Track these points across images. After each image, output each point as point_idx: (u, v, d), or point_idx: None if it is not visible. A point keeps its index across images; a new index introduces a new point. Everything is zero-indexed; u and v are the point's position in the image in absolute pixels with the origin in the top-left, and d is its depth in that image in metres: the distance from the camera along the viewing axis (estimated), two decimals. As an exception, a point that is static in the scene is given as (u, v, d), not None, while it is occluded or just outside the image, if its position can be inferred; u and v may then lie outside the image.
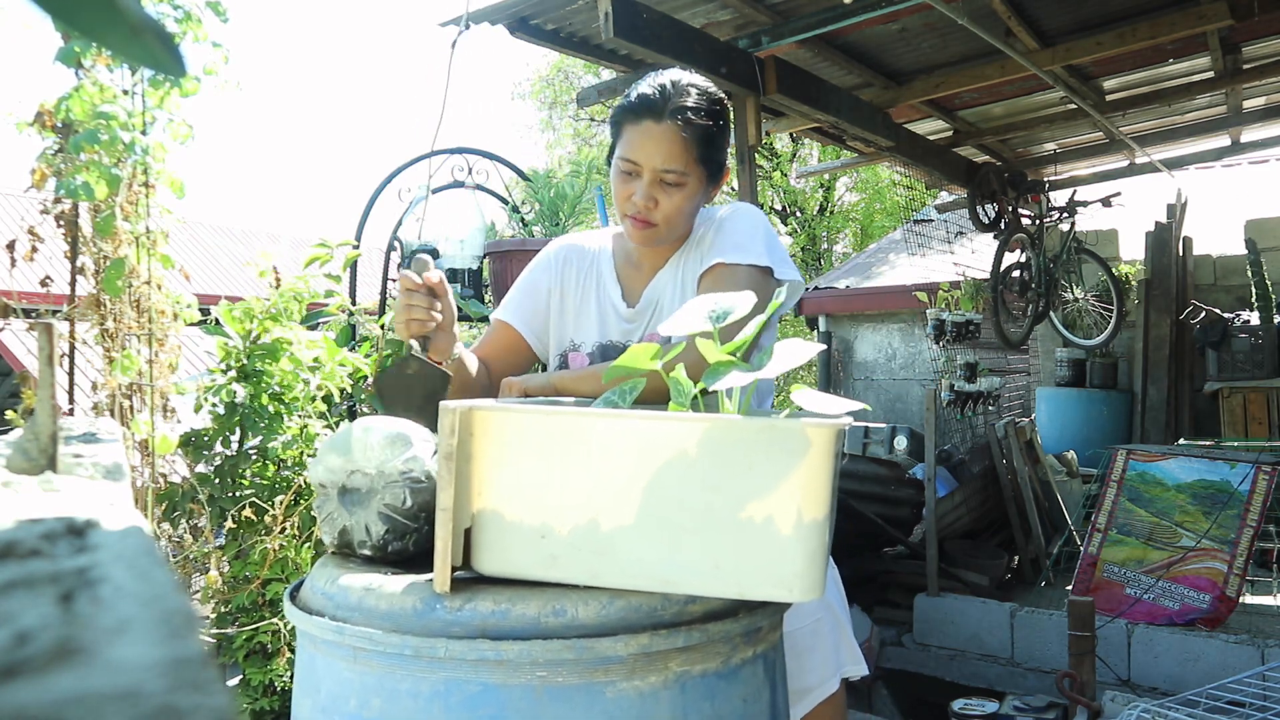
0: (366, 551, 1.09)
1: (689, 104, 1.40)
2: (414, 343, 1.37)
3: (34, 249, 2.27)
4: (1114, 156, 6.24)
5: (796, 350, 0.97)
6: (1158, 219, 6.37)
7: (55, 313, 2.29)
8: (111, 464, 0.58)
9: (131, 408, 2.28)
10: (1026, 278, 5.86)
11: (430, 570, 0.97)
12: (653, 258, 1.54)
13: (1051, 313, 6.13)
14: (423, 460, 1.09)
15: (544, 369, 1.65)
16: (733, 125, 4.15)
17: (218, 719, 0.25)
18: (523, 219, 3.56)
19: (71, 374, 2.34)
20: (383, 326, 2.78)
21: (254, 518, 2.24)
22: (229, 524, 2.27)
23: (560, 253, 1.62)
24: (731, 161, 1.53)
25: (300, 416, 2.47)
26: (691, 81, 1.44)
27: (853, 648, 1.54)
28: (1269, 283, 5.63)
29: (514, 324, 1.58)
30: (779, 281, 1.42)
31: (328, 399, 2.57)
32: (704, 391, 0.99)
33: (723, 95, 1.49)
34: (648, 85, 1.43)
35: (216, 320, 2.45)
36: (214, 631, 2.31)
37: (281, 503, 2.28)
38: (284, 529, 2.27)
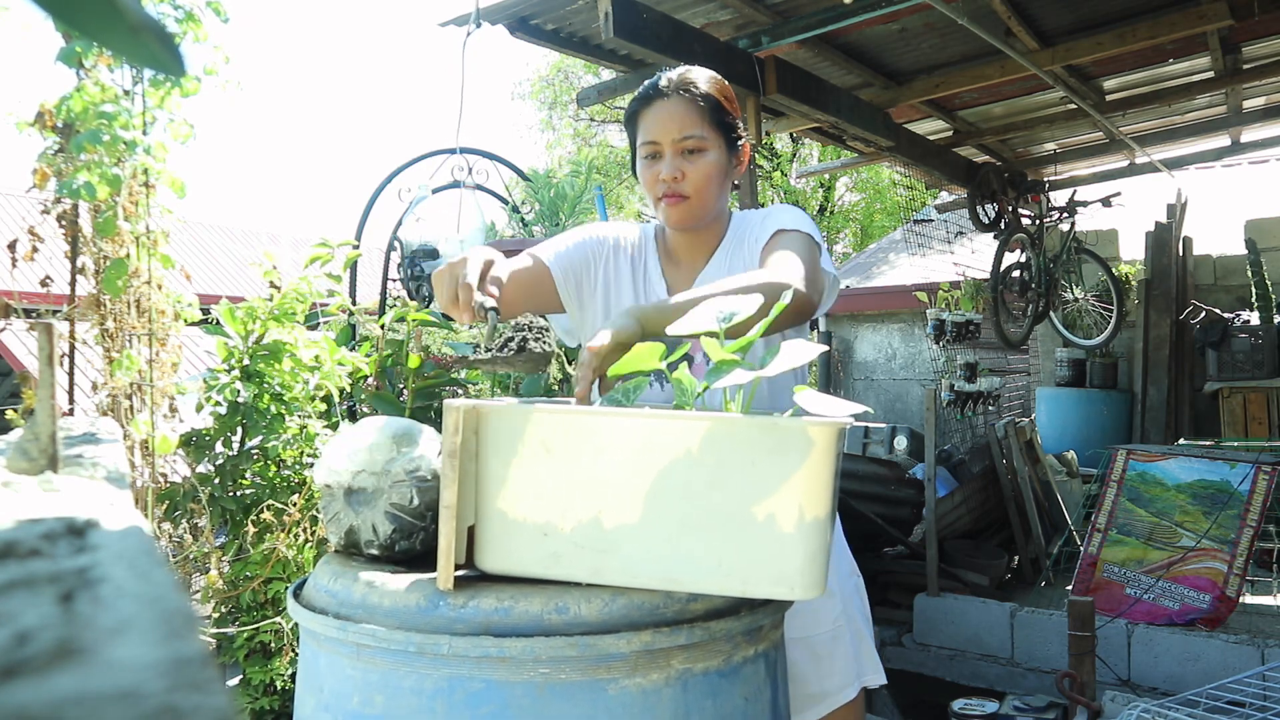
0: (374, 551, 1.09)
1: (693, 78, 1.49)
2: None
3: (34, 249, 2.26)
4: (1114, 156, 6.24)
5: (800, 350, 0.97)
6: (1158, 219, 6.37)
7: (55, 313, 2.29)
8: (112, 465, 0.58)
9: (132, 408, 2.28)
10: (1026, 278, 5.86)
11: (433, 568, 0.96)
12: (691, 253, 1.55)
13: (1051, 313, 6.13)
14: (429, 459, 1.09)
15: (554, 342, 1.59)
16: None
17: (218, 719, 0.25)
18: (523, 219, 3.56)
19: (71, 374, 2.34)
20: (383, 326, 2.78)
21: (272, 520, 2.24)
22: (248, 528, 2.25)
23: (619, 238, 1.59)
24: (746, 140, 1.56)
25: (300, 416, 2.47)
26: (693, 68, 1.53)
27: (873, 656, 1.56)
28: (1269, 283, 5.63)
29: (552, 267, 1.49)
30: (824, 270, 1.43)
31: (328, 399, 2.57)
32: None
33: (725, 82, 1.56)
34: (653, 78, 1.52)
35: (217, 320, 2.45)
36: (214, 631, 2.31)
37: (296, 504, 2.28)
38: (290, 529, 2.27)
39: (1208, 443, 4.54)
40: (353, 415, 2.79)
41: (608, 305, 1.57)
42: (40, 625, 0.28)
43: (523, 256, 1.56)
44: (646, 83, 1.51)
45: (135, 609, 0.30)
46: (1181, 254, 6.31)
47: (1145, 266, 6.32)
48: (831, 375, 8.58)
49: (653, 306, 1.25)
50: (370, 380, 2.70)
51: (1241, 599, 3.46)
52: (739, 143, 1.52)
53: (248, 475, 2.43)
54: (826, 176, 14.69)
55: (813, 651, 1.44)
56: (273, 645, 2.36)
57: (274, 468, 2.43)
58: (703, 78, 1.50)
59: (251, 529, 2.25)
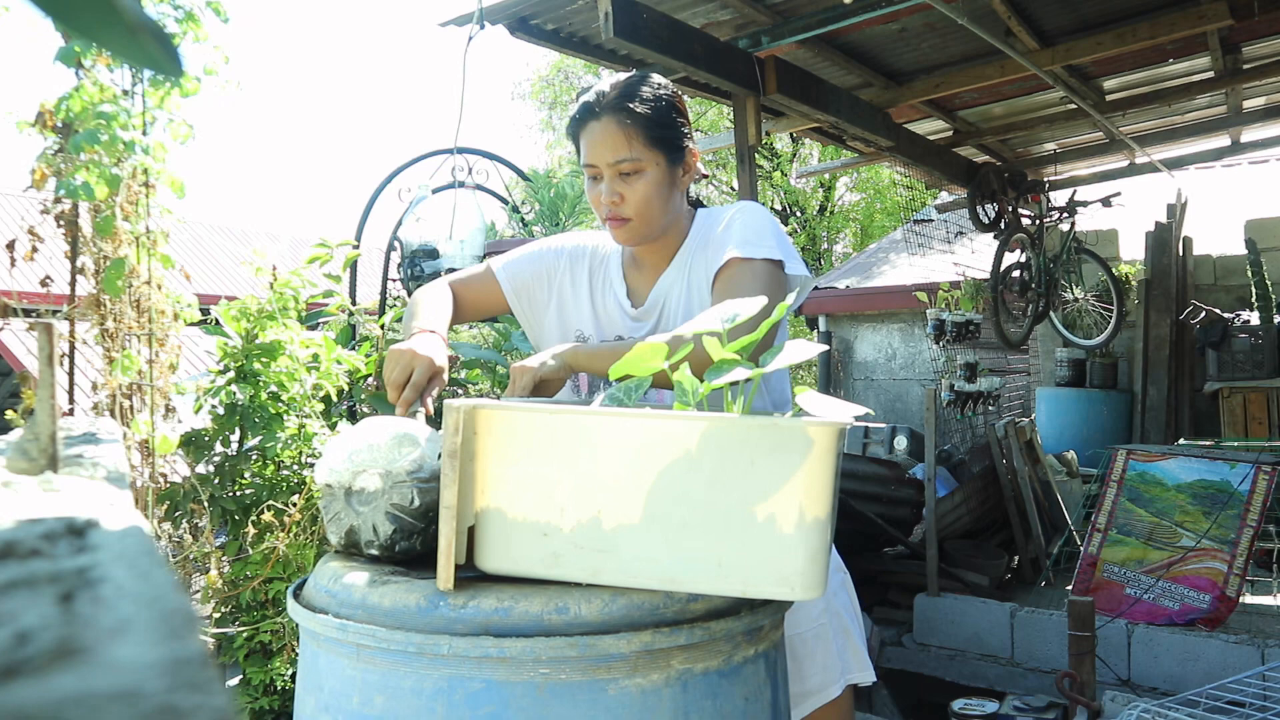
0: (374, 551, 1.09)
1: (624, 95, 1.42)
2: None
3: (34, 249, 2.26)
4: (1114, 156, 6.24)
5: (798, 349, 0.97)
6: (1158, 219, 6.37)
7: (55, 313, 2.29)
8: (112, 465, 0.58)
9: (131, 408, 2.28)
10: (1026, 278, 5.86)
11: (434, 569, 0.96)
12: (654, 258, 1.53)
13: (1051, 313, 6.13)
14: (430, 459, 1.09)
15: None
16: (731, 124, 4.16)
17: (218, 719, 0.25)
18: (523, 219, 3.56)
19: (71, 374, 2.34)
20: (383, 326, 2.78)
21: (273, 521, 2.24)
22: (248, 529, 2.25)
23: (579, 247, 1.62)
24: (694, 144, 1.51)
25: (299, 416, 2.47)
26: (630, 76, 1.47)
27: (861, 654, 1.54)
28: (1269, 283, 5.63)
29: (502, 282, 1.60)
30: (789, 277, 1.42)
31: (326, 399, 2.57)
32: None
33: (666, 81, 1.50)
34: (587, 93, 1.46)
35: (216, 320, 2.45)
36: (214, 631, 2.31)
37: (296, 504, 2.28)
38: (290, 530, 2.27)
39: (1208, 443, 4.54)
40: (352, 415, 2.79)
41: (562, 317, 1.59)
42: (40, 625, 0.28)
43: (480, 266, 1.65)
44: (581, 100, 1.45)
45: (135, 609, 0.30)
46: (1181, 254, 6.31)
47: (1145, 266, 6.32)
48: (831, 375, 8.59)
49: (585, 349, 1.38)
50: (370, 380, 2.70)
51: (1241, 599, 3.46)
52: (683, 150, 1.46)
53: (247, 475, 2.43)
54: (826, 176, 14.70)
55: (793, 651, 1.42)
56: (273, 645, 2.36)
57: (273, 468, 2.43)
58: (636, 91, 1.42)
59: (251, 529, 2.25)
